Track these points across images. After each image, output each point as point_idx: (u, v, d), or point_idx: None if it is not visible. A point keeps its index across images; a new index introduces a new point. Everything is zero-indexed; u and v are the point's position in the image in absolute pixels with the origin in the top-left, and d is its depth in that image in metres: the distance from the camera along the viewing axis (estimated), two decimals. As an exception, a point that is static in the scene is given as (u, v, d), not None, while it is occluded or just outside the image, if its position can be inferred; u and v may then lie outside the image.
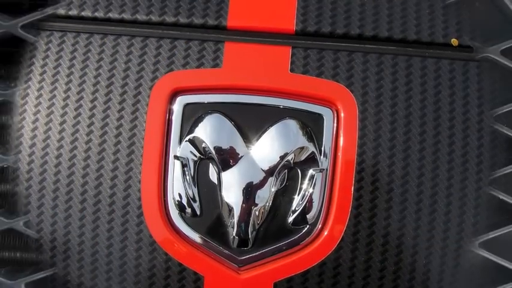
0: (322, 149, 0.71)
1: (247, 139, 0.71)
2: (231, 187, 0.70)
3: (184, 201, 0.71)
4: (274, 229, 0.71)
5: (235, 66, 0.72)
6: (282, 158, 0.70)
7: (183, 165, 0.71)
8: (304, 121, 0.71)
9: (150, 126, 0.71)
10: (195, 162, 0.71)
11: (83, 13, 0.74)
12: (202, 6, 0.73)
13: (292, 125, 0.71)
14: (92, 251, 0.72)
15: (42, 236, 0.72)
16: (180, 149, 0.71)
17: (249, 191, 0.70)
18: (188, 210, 0.71)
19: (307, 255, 0.71)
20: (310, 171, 0.71)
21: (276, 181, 0.71)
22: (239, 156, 0.71)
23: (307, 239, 0.71)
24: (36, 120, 0.72)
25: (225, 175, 0.71)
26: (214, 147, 0.71)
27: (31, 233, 0.72)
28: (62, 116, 0.72)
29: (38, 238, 0.72)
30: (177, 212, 0.71)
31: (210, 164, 0.71)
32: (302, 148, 0.71)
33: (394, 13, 0.73)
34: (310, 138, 0.71)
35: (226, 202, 0.70)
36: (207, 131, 0.71)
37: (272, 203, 0.71)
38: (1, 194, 0.75)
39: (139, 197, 0.71)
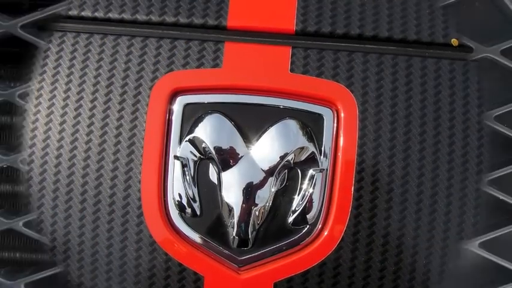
0: (322, 149, 0.71)
1: (247, 139, 0.71)
2: (231, 187, 0.70)
3: (184, 201, 0.71)
4: (274, 229, 0.71)
5: (235, 66, 0.72)
6: (282, 158, 0.70)
7: (183, 165, 0.71)
8: (304, 121, 0.71)
9: (150, 126, 0.71)
10: (195, 162, 0.71)
11: (83, 13, 0.74)
12: (202, 6, 0.73)
13: (292, 125, 0.71)
14: (91, 251, 0.72)
15: (42, 236, 0.72)
16: (180, 149, 0.71)
17: (249, 191, 0.70)
18: (188, 210, 0.71)
19: (307, 255, 0.71)
20: (310, 171, 0.71)
21: (276, 181, 0.71)
22: (239, 156, 0.71)
23: (307, 239, 0.71)
24: (36, 120, 0.72)
25: (225, 175, 0.71)
26: (214, 147, 0.70)
27: (31, 233, 0.72)
28: (62, 116, 0.72)
29: (37, 238, 0.72)
30: (177, 212, 0.71)
31: (210, 164, 0.71)
32: (302, 148, 0.71)
33: (394, 13, 0.73)
34: (310, 138, 0.71)
35: (226, 202, 0.70)
36: (207, 131, 0.71)
37: (272, 203, 0.71)
38: (1, 194, 0.75)
39: (139, 197, 0.71)
